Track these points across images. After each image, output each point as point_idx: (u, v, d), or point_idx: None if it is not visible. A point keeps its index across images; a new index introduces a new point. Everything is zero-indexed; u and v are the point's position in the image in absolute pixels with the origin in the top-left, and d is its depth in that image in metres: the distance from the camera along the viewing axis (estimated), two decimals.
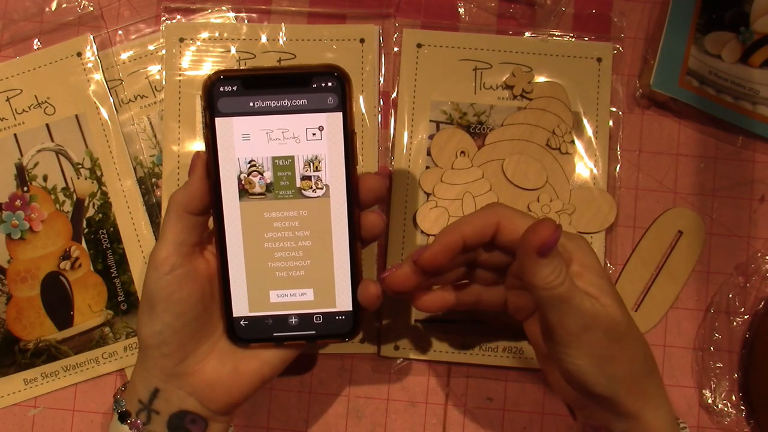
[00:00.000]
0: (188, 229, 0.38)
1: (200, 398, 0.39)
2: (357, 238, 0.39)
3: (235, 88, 0.37)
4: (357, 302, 0.39)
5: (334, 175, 0.38)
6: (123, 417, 0.39)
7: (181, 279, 0.38)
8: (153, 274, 0.38)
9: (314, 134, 0.38)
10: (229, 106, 0.37)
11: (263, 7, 0.53)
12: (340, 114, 0.37)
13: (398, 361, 0.51)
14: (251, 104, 0.37)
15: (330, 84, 0.37)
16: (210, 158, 0.37)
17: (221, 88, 0.37)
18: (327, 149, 0.38)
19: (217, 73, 0.37)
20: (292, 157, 0.38)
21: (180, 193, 0.38)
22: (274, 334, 0.39)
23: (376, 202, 0.39)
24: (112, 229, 0.51)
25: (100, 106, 0.52)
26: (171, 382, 0.39)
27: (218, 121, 0.37)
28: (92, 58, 0.52)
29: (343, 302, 0.39)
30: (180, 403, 0.39)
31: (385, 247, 0.51)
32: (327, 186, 0.38)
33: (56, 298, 0.51)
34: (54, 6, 0.53)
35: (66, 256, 0.51)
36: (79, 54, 0.52)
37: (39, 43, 0.52)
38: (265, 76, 0.37)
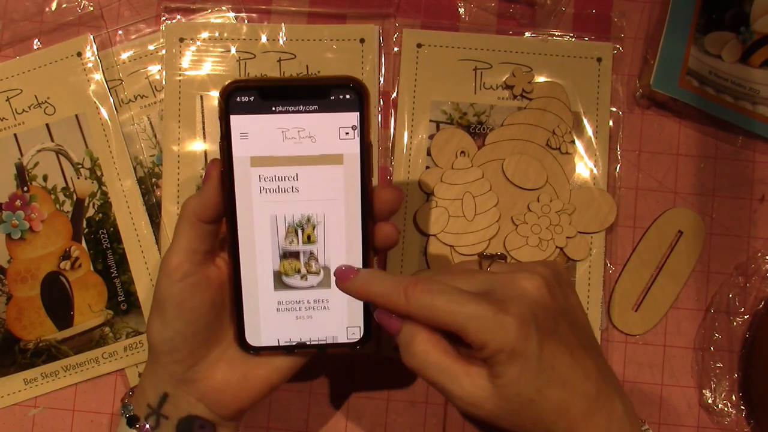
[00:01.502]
0: (201, 237, 0.38)
1: (209, 404, 0.39)
2: (371, 249, 0.39)
3: (251, 98, 0.36)
4: (368, 312, 0.39)
5: (349, 187, 0.38)
6: (131, 421, 0.39)
7: (193, 286, 0.37)
8: (165, 280, 0.37)
9: None
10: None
11: (263, 7, 0.53)
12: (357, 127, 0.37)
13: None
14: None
15: (348, 96, 0.37)
16: (225, 167, 0.37)
17: (237, 98, 0.36)
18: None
19: (234, 83, 0.36)
20: None
21: (194, 200, 0.38)
22: (285, 343, 0.39)
23: (390, 215, 0.39)
24: (112, 229, 0.51)
25: (100, 106, 0.52)
26: (180, 388, 0.39)
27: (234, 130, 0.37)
28: (92, 58, 0.52)
29: (355, 311, 0.39)
30: (189, 408, 0.39)
31: None
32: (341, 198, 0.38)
33: (56, 298, 0.51)
34: (54, 6, 0.53)
35: (66, 256, 0.51)
36: (79, 54, 0.52)
37: (39, 43, 0.52)
38: (283, 86, 0.37)
